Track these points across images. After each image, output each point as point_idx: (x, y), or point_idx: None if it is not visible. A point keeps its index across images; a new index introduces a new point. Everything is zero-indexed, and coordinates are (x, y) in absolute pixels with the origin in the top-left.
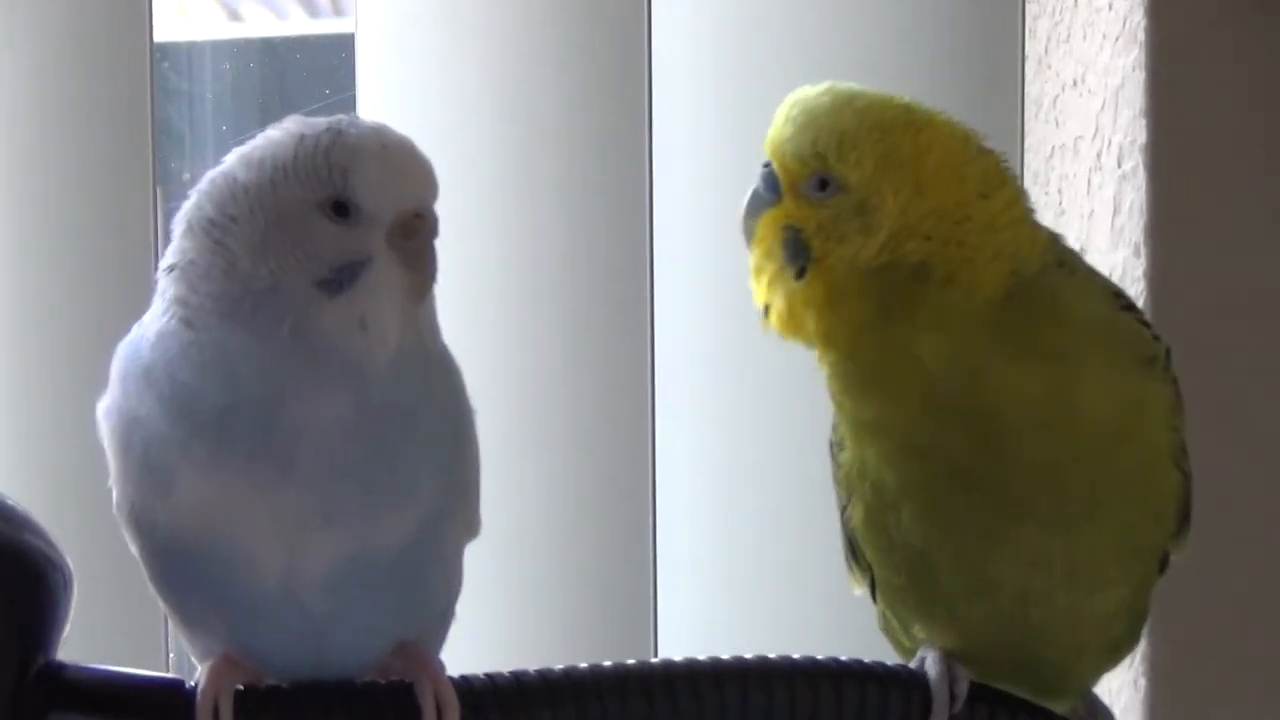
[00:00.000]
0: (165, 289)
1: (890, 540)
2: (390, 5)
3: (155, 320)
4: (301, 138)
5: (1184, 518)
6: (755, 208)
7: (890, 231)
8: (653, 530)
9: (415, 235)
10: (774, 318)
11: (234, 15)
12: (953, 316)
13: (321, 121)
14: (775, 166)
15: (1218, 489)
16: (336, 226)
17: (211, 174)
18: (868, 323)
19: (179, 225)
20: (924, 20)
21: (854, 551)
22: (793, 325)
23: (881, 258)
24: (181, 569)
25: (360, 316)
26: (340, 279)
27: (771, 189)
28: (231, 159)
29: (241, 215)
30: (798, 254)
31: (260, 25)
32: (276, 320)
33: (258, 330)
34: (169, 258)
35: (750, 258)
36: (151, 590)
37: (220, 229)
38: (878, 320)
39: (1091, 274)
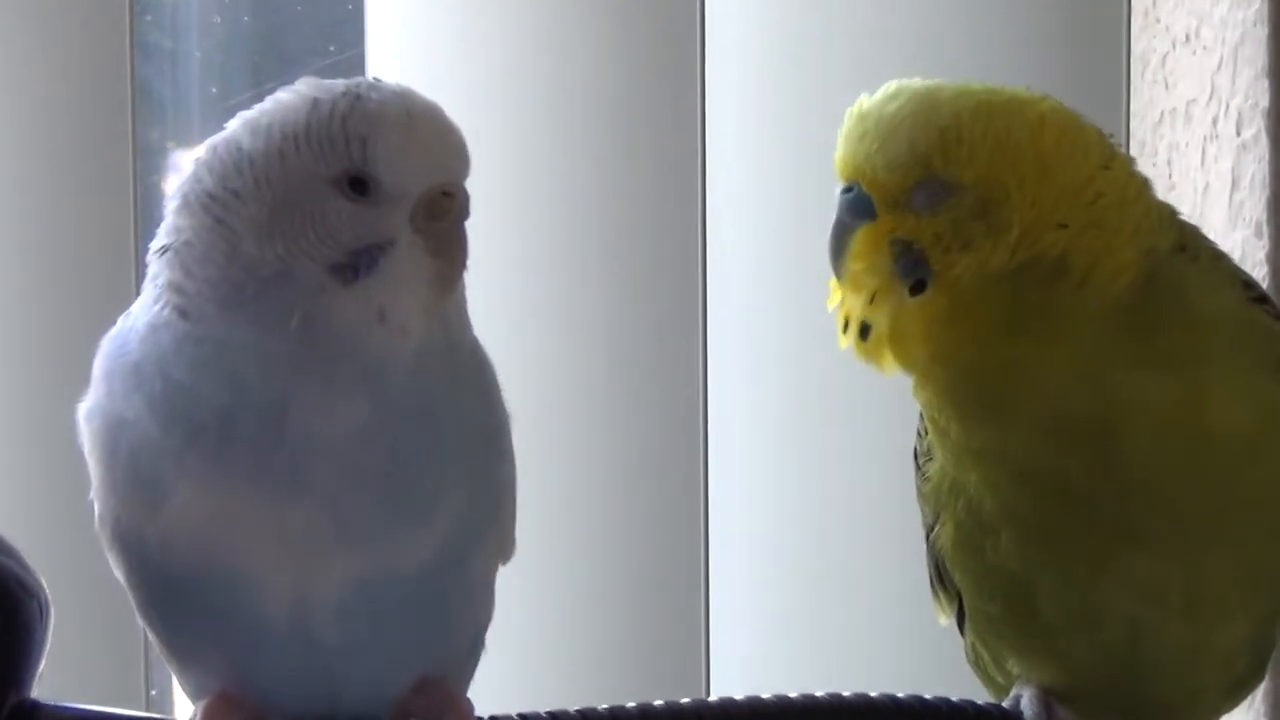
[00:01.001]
0: (157, 273)
1: (985, 564)
2: None
3: (145, 310)
4: (315, 103)
5: None
6: (841, 236)
7: (1022, 227)
8: (705, 550)
9: (443, 216)
10: (873, 339)
11: None
12: (1084, 320)
13: (339, 84)
14: (863, 185)
15: None
16: (354, 205)
17: (213, 141)
18: (991, 338)
19: (174, 200)
20: None
21: (941, 575)
22: (900, 345)
23: (1017, 258)
24: (174, 595)
25: (379, 307)
26: (357, 265)
27: (860, 213)
28: (236, 124)
29: (246, 189)
30: (913, 269)
31: None
32: (284, 311)
33: (263, 322)
34: (161, 237)
35: (843, 275)
36: (136, 619)
37: (221, 205)
38: (1004, 333)
39: (1217, 258)
